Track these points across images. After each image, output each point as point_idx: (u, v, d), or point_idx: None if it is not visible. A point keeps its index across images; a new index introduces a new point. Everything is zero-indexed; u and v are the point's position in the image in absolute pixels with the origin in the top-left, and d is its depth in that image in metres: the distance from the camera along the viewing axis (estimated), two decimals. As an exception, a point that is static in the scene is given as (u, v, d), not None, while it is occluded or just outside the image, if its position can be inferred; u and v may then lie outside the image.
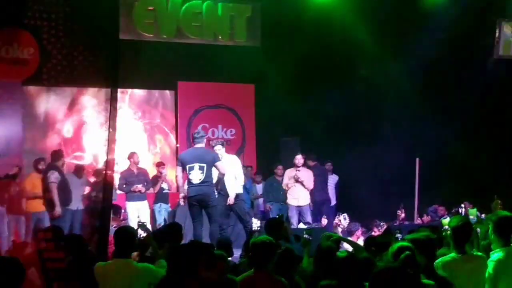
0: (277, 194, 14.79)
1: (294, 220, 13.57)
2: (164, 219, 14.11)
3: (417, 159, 14.86)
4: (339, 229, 11.71)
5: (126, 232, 6.54)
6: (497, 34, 16.96)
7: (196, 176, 10.85)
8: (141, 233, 7.43)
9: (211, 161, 10.97)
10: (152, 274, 6.17)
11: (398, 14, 15.82)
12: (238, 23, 15.80)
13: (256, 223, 9.06)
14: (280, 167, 15.08)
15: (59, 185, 12.72)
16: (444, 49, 16.26)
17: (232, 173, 11.65)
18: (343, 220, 11.94)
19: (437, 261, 6.09)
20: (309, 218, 13.70)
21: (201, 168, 10.86)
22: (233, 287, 5.46)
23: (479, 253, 6.33)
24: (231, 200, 11.47)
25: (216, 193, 11.32)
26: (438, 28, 15.82)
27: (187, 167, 10.93)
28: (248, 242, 7.46)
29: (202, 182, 10.87)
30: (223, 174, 11.31)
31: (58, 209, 12.50)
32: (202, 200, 10.92)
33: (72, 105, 15.71)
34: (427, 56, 15.95)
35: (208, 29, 15.58)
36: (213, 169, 11.07)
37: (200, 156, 10.99)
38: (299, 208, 13.77)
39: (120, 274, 6.16)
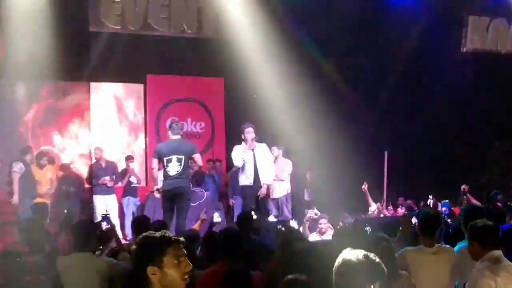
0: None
1: (273, 212, 13.35)
2: (133, 213, 14.06)
3: (386, 153, 14.93)
4: (307, 223, 11.70)
5: (85, 225, 6.49)
6: (464, 29, 17.11)
7: (174, 168, 10.67)
8: (105, 225, 7.37)
9: (189, 152, 10.83)
10: (112, 267, 6.14)
11: (366, 9, 15.87)
12: (206, 16, 15.72)
13: (216, 217, 9.02)
14: None
15: (22, 176, 12.77)
16: (413, 43, 16.34)
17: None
18: (313, 214, 11.94)
19: (402, 251, 6.13)
20: (286, 211, 13.31)
21: (179, 160, 10.69)
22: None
23: (447, 245, 6.36)
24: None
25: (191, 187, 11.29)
26: (406, 22, 15.90)
27: (165, 159, 10.73)
28: (207, 236, 7.42)
29: (180, 175, 10.69)
30: (200, 167, 11.39)
31: (15, 198, 12.56)
32: (178, 193, 10.74)
33: (40, 98, 15.57)
34: (395, 50, 16.04)
35: (176, 21, 15.49)
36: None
37: (177, 147, 10.81)
38: (275, 201, 13.45)
39: (80, 268, 6.12)
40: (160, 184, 11.03)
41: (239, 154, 11.69)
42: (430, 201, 12.66)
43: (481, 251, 5.37)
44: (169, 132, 11.10)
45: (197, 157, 10.96)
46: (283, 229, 6.91)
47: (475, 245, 5.42)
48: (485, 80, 17.13)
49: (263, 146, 11.96)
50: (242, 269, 5.31)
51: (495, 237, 5.43)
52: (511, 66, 17.30)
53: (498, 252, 5.34)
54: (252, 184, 11.67)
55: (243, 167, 11.69)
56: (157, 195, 11.41)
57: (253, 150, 11.65)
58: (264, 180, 11.73)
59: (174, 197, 10.78)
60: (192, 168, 12.75)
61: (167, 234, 3.70)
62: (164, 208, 10.96)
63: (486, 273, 5.18)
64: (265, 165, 11.77)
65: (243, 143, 11.70)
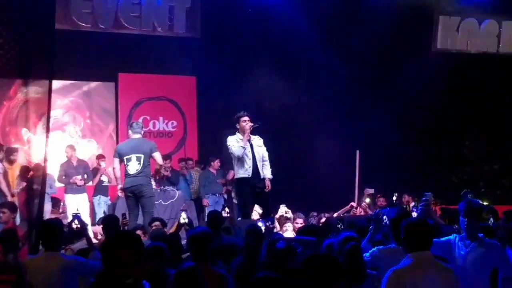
0: (213, 186, 14.79)
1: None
2: (104, 212, 13.95)
3: (357, 152, 14.98)
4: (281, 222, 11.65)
5: (53, 225, 6.45)
6: (435, 28, 17.22)
7: (133, 167, 10.71)
8: (76, 224, 7.32)
9: (148, 151, 10.81)
10: (81, 266, 6.11)
11: (337, 8, 15.91)
12: (178, 14, 15.66)
13: (183, 217, 8.99)
14: (216, 160, 15.05)
15: (4, 175, 12.66)
16: (383, 42, 16.41)
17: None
18: (285, 213, 11.87)
19: (374, 249, 6.12)
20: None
21: (138, 158, 10.71)
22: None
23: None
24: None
25: (153, 185, 11.17)
26: (377, 22, 15.95)
27: (125, 158, 10.79)
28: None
29: (139, 173, 10.70)
30: (161, 165, 11.21)
31: (9, 196, 12.41)
32: (138, 191, 10.74)
33: (6, 98, 15.40)
34: (366, 49, 16.11)
35: (147, 19, 15.41)
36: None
37: (137, 146, 10.84)
38: None
39: (48, 267, 6.07)
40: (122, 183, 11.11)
41: (236, 143, 10.92)
42: (394, 198, 12.72)
43: None
44: (130, 132, 11.17)
45: (156, 155, 10.89)
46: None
47: None
48: (455, 80, 17.25)
49: (257, 137, 11.29)
50: (190, 268, 5.28)
51: None
52: (480, 66, 17.45)
53: None
54: (250, 176, 10.99)
55: (240, 159, 11.00)
56: (120, 194, 11.50)
57: (249, 140, 11.03)
58: (267, 173, 11.15)
59: (135, 195, 10.81)
60: (166, 169, 12.77)
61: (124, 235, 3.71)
62: (128, 206, 11.00)
63: None
64: (263, 157, 11.19)
65: (237, 133, 11.07)
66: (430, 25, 17.11)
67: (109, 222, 8.40)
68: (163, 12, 15.53)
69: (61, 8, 14.50)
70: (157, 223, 9.24)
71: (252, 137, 11.12)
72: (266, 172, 11.16)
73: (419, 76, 16.55)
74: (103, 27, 15.12)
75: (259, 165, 11.07)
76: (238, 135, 11.03)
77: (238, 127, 11.05)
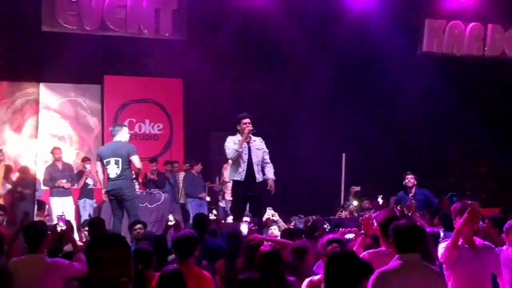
0: (197, 189, 14.86)
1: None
2: (89, 215, 13.91)
3: (343, 155, 15.02)
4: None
5: (36, 228, 6.42)
6: (421, 31, 17.26)
7: (113, 170, 10.70)
8: (61, 226, 7.28)
9: (126, 154, 10.75)
10: (65, 268, 6.10)
11: (323, 11, 15.93)
12: (164, 16, 15.61)
13: (170, 219, 8.98)
14: (199, 164, 15.07)
15: None
16: (370, 45, 16.45)
17: None
18: (271, 216, 11.86)
19: (364, 253, 6.09)
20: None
21: (116, 162, 10.70)
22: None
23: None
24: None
25: (136, 188, 11.07)
26: (363, 25, 16.00)
27: (104, 161, 10.80)
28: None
29: (118, 176, 10.69)
30: (139, 168, 10.99)
31: None
32: (118, 194, 10.74)
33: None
34: (352, 52, 16.15)
35: (133, 21, 15.34)
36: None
37: (115, 150, 10.84)
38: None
39: (31, 270, 6.07)
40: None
41: (233, 145, 10.65)
42: (380, 201, 12.75)
43: None
44: (112, 134, 11.17)
45: (133, 158, 10.76)
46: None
47: None
48: (441, 83, 17.29)
49: (259, 139, 10.99)
50: (174, 271, 5.31)
51: None
52: (466, 69, 17.52)
53: None
54: (242, 180, 10.75)
55: (234, 161, 10.84)
56: (105, 197, 11.51)
57: (248, 143, 10.73)
58: (269, 174, 10.89)
59: (116, 198, 10.81)
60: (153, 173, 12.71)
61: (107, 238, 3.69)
62: (112, 209, 11.05)
63: None
64: (264, 160, 10.94)
65: (237, 134, 10.75)
66: (417, 28, 17.12)
67: (95, 224, 8.37)
68: (149, 14, 15.44)
69: (47, 10, 14.46)
70: (139, 225, 9.18)
71: (254, 138, 10.83)
72: (268, 173, 10.90)
73: (405, 79, 16.59)
74: (88, 29, 15.03)
75: (256, 168, 10.79)
76: (238, 136, 10.75)
77: (239, 128, 10.74)
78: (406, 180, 12.65)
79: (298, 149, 16.17)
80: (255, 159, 10.79)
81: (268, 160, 11.01)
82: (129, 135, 11.47)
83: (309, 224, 10.75)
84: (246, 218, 10.04)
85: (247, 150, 10.72)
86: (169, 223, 8.80)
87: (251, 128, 10.65)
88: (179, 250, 6.07)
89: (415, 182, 12.57)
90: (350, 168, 15.10)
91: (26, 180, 14.22)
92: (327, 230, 9.30)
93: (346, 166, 14.99)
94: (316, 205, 14.25)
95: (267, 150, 11.02)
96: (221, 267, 6.82)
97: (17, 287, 6.02)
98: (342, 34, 16.01)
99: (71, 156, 15.42)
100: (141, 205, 11.77)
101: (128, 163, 10.79)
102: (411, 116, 17.34)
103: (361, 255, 5.97)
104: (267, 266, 5.72)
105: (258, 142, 10.91)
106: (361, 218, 6.89)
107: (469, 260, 6.02)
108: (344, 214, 13.82)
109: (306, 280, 5.56)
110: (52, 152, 14.04)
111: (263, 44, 16.08)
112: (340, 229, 8.00)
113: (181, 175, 15.48)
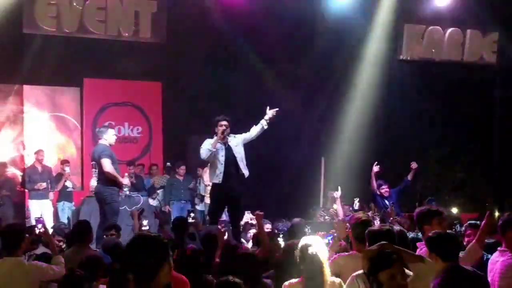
0: (178, 193, 14.91)
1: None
2: (68, 218, 13.87)
3: (323, 158, 15.05)
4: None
5: (13, 230, 6.37)
6: (400, 37, 17.34)
7: (95, 173, 10.79)
8: (39, 229, 7.24)
9: (97, 157, 10.69)
10: (42, 271, 6.07)
11: (304, 16, 15.96)
12: (143, 19, 15.57)
13: (144, 224, 8.91)
14: (182, 167, 15.05)
15: None
16: (350, 51, 16.51)
17: None
18: (250, 219, 11.87)
19: (335, 256, 6.08)
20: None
21: (94, 165, 10.81)
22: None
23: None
24: None
25: (114, 191, 10.90)
26: (343, 30, 16.04)
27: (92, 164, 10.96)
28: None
29: (97, 179, 10.77)
30: (107, 172, 10.59)
31: None
32: (97, 198, 10.85)
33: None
34: (332, 57, 16.18)
35: (112, 24, 15.29)
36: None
37: (93, 153, 10.94)
38: None
39: (9, 273, 6.03)
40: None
41: (207, 146, 10.39)
42: (356, 204, 12.78)
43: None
44: (98, 137, 11.24)
45: (102, 161, 10.57)
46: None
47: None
48: (421, 88, 17.38)
49: (238, 138, 10.72)
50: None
51: None
52: (445, 74, 17.61)
53: None
54: (220, 182, 10.45)
55: (211, 164, 10.64)
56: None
57: (225, 144, 10.49)
58: (245, 172, 10.66)
59: (98, 201, 10.94)
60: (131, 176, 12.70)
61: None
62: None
63: None
64: (245, 139, 10.79)
65: (214, 136, 10.45)
66: (396, 34, 17.20)
67: (81, 228, 8.28)
68: (128, 17, 15.42)
69: (26, 12, 14.40)
70: (112, 231, 8.95)
71: (229, 139, 10.57)
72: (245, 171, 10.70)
73: (385, 84, 16.67)
74: (68, 31, 14.98)
75: (242, 165, 10.59)
76: (215, 138, 10.47)
77: (216, 130, 10.49)
78: (383, 191, 13.58)
79: (278, 153, 16.13)
80: (238, 156, 10.56)
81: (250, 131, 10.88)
82: (115, 136, 11.29)
83: (289, 227, 10.76)
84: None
85: (224, 152, 10.47)
86: (143, 228, 8.75)
87: (225, 128, 10.42)
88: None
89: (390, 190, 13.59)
90: (329, 172, 15.12)
91: (5, 182, 14.14)
92: (307, 234, 9.29)
93: (325, 169, 15.01)
94: (295, 209, 14.23)
95: (243, 133, 10.86)
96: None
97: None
98: (323, 39, 16.05)
99: (50, 159, 15.31)
100: (120, 208, 11.69)
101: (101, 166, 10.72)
102: (390, 121, 17.38)
103: (331, 258, 5.96)
104: (244, 268, 5.72)
105: (233, 140, 10.65)
106: (334, 221, 6.93)
107: None
108: (323, 218, 13.84)
109: (286, 283, 5.54)
110: (36, 153, 14.09)
111: (243, 47, 16.05)
112: (318, 232, 8.05)
113: (158, 178, 15.53)
